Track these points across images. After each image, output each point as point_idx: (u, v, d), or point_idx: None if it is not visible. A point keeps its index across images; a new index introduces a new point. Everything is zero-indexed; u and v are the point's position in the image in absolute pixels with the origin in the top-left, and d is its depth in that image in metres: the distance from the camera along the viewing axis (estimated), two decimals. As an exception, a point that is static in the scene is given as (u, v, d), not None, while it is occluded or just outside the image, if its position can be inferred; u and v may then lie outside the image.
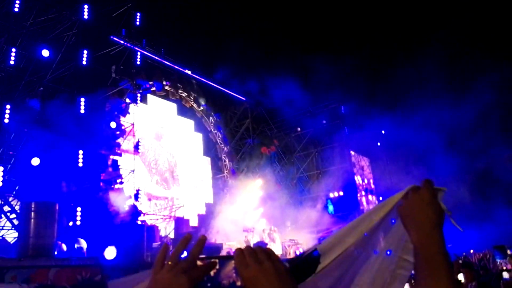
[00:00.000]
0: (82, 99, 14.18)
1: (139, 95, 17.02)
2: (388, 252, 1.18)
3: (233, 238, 18.78)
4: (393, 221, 1.16)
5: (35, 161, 12.68)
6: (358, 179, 28.30)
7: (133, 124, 16.31)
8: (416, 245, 1.03)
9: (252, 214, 21.77)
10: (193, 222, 18.86)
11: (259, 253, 0.91)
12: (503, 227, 22.70)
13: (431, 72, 26.55)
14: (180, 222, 15.91)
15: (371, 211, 1.19)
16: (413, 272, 1.08)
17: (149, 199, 17.89)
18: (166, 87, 19.52)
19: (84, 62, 14.72)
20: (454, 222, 1.07)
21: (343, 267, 1.20)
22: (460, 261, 8.25)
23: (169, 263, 0.90)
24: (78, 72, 14.69)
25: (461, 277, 5.07)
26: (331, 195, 26.90)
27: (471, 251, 16.32)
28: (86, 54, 14.78)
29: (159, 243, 13.70)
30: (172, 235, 15.09)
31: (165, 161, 19.44)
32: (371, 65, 32.35)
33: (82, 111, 14.09)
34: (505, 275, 4.39)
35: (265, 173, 24.79)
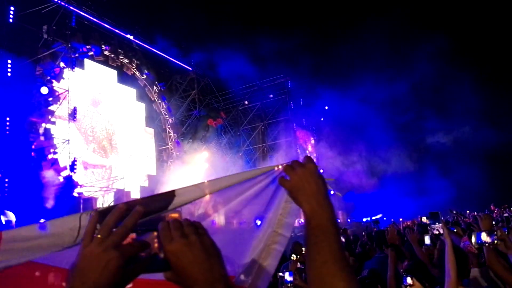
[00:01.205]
0: (9, 61, 13.01)
1: (74, 59, 15.87)
2: (259, 223, 1.24)
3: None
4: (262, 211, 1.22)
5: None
6: (302, 153, 28.84)
7: (67, 90, 15.22)
8: (308, 214, 1.07)
9: (197, 186, 21.52)
10: (135, 195, 18.26)
11: (185, 226, 0.89)
12: (438, 196, 24.29)
13: (372, 48, 27.41)
14: (120, 194, 15.28)
15: (239, 175, 1.24)
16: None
17: (85, 168, 17.00)
18: (106, 52, 18.31)
19: (10, 20, 13.45)
20: (332, 189, 1.15)
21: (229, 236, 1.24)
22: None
23: (99, 236, 0.83)
24: (3, 31, 13.38)
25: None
26: (276, 168, 27.22)
27: (400, 219, 17.32)
28: (13, 11, 13.50)
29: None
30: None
31: (102, 129, 18.45)
32: (316, 42, 32.75)
33: (9, 74, 12.95)
34: (427, 240, 4.50)
35: (211, 145, 24.52)
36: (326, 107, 29.42)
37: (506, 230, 4.08)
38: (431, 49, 25.50)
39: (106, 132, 18.57)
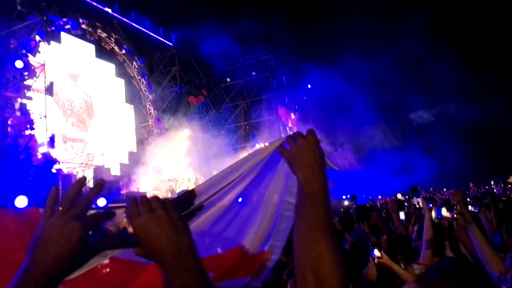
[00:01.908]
0: (-19, 33, 12.50)
1: (51, 32, 15.36)
2: (276, 197, 1.32)
3: (157, 187, 18.44)
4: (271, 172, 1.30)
5: None
6: (284, 131, 28.95)
7: (43, 65, 14.79)
8: (302, 182, 1.10)
9: (178, 163, 21.47)
10: (115, 171, 18.13)
11: (153, 202, 0.90)
12: (420, 174, 24.80)
13: (356, 26, 27.31)
14: (99, 171, 15.11)
15: (248, 156, 1.29)
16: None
17: (64, 142, 16.72)
18: (83, 26, 17.77)
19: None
20: (330, 163, 1.19)
21: (231, 212, 1.33)
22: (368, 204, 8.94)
23: (60, 208, 0.84)
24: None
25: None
26: (258, 146, 27.30)
27: (379, 196, 17.67)
28: (-16, -20, 12.87)
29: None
30: (91, 184, 14.33)
31: (81, 102, 18.06)
32: (300, 19, 32.49)
33: (-19, 46, 12.47)
34: (402, 216, 4.64)
35: (193, 123, 24.36)
36: (309, 86, 29.47)
37: (477, 208, 4.22)
38: (415, 25, 25.59)
39: (85, 105, 18.20)
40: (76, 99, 17.77)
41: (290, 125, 29.97)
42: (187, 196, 1.26)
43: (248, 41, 25.09)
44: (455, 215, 2.69)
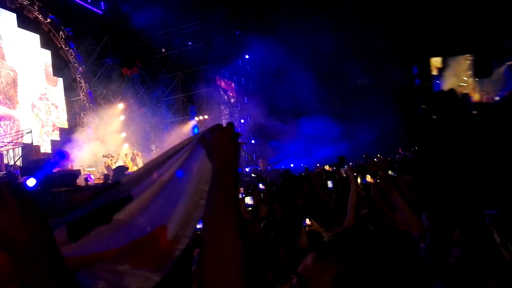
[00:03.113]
0: None
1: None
2: (194, 186, 1.36)
3: (93, 164, 17.81)
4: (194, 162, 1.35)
5: None
6: (223, 102, 28.87)
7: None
8: (216, 167, 1.18)
9: (114, 139, 20.78)
10: (46, 148, 17.20)
11: (3, 188, 0.86)
12: (359, 139, 25.74)
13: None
14: (28, 149, 14.22)
15: (173, 148, 1.33)
16: None
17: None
18: (0, -8, 16.22)
19: None
20: (245, 152, 1.29)
21: (158, 200, 1.35)
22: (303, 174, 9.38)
23: None
24: None
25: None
26: (197, 118, 27.07)
27: (318, 164, 18.38)
28: None
29: (5, 172, 12.19)
30: (20, 163, 13.49)
31: (7, 77, 16.67)
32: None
33: None
34: (329, 184, 4.94)
35: (127, 96, 23.52)
36: (247, 56, 29.27)
37: (396, 173, 4.62)
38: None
39: (11, 80, 16.82)
40: (1, 73, 16.35)
41: (230, 95, 29.88)
42: (114, 187, 1.28)
43: (182, 9, 24.19)
44: (377, 181, 2.93)
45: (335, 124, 27.61)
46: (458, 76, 21.05)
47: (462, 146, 2.46)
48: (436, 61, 21.44)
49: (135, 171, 1.34)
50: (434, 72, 21.41)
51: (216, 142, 1.22)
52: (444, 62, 21.42)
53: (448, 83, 20.93)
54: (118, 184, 1.29)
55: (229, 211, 1.09)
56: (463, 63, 20.97)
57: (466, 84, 20.92)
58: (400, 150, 25.11)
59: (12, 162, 13.31)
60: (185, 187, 1.36)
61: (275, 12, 26.68)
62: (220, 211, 1.09)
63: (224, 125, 1.26)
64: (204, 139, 1.28)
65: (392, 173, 4.28)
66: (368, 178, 2.95)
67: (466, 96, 20.25)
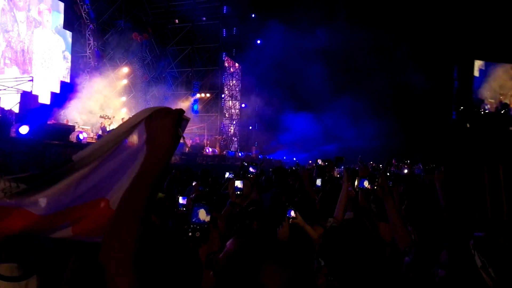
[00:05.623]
0: None
1: None
2: (136, 165, 1.28)
3: (88, 122, 17.77)
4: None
5: None
6: (227, 84, 28.74)
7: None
8: (147, 154, 1.16)
9: (114, 101, 20.70)
10: (44, 100, 17.07)
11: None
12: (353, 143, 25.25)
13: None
14: (26, 97, 14.10)
15: (125, 123, 1.28)
16: None
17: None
18: None
19: None
20: (185, 142, 1.31)
21: (99, 173, 1.33)
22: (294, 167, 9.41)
23: None
24: None
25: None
26: (199, 95, 26.98)
27: (310, 161, 18.36)
28: None
29: (0, 115, 12.11)
30: (16, 109, 13.40)
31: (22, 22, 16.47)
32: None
33: None
34: (318, 182, 4.90)
35: (133, 61, 23.36)
36: (259, 41, 28.90)
37: (391, 183, 4.63)
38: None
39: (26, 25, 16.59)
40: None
41: (234, 78, 29.71)
42: (66, 165, 1.29)
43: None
44: (375, 187, 2.94)
45: (340, 124, 26.80)
46: (499, 84, 20.58)
47: (492, 162, 2.40)
48: (479, 64, 20.78)
49: (89, 147, 1.31)
50: (476, 74, 20.69)
51: (153, 130, 1.18)
52: (486, 67, 20.79)
53: (488, 90, 20.49)
54: (71, 161, 1.28)
55: (135, 209, 1.08)
56: (506, 70, 20.57)
57: (506, 93, 20.45)
58: (393, 161, 24.76)
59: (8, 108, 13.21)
60: (128, 165, 1.31)
61: (296, 2, 26.05)
62: (127, 207, 1.09)
63: (174, 109, 1.21)
64: (149, 121, 1.21)
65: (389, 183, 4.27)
66: (366, 183, 2.96)
67: (507, 108, 19.92)
